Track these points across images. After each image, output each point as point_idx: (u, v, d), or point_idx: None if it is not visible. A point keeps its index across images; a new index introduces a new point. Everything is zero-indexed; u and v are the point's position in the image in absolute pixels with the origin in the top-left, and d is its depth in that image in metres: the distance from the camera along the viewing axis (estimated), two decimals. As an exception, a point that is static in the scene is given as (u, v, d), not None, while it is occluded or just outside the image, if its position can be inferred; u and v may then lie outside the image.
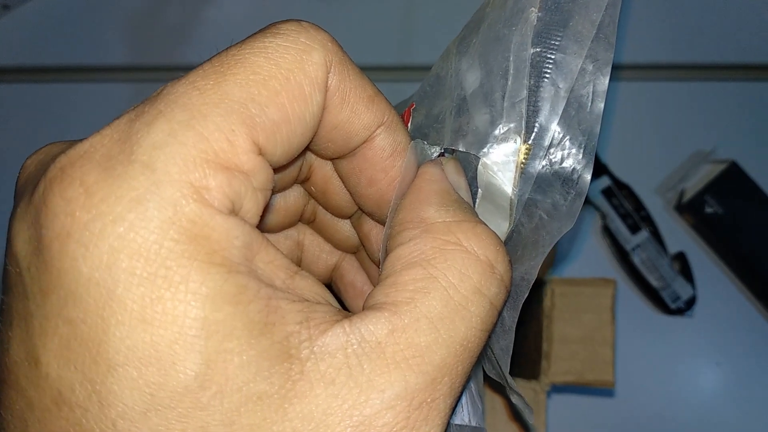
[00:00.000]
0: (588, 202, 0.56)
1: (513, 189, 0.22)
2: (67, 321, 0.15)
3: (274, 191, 0.25)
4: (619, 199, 0.55)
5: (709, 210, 0.54)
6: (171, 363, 0.15)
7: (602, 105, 0.21)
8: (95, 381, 0.15)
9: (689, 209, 0.55)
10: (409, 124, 0.25)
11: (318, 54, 0.18)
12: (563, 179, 0.21)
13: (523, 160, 0.22)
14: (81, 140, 0.17)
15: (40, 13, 0.64)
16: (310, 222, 0.28)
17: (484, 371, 0.25)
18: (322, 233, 0.28)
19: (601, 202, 0.55)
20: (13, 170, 0.19)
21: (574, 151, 0.21)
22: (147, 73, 0.63)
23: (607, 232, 0.55)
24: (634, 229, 0.54)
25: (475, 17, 0.24)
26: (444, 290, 0.18)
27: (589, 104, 0.21)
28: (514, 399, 0.24)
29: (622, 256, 0.54)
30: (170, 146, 0.16)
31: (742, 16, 0.61)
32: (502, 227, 0.23)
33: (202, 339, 0.15)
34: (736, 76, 0.60)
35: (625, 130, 0.59)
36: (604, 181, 0.56)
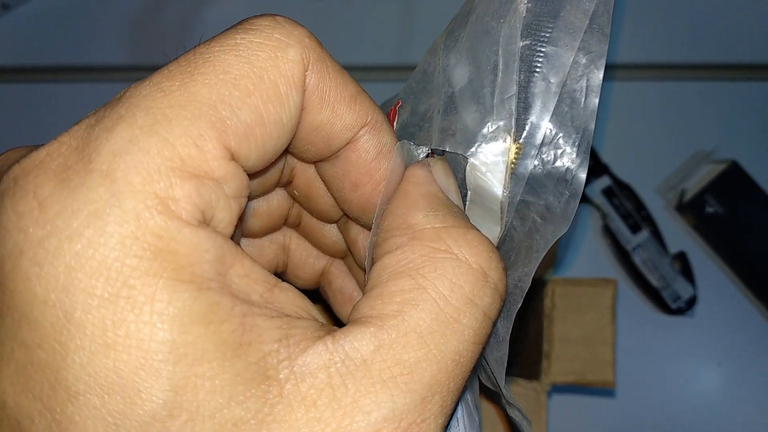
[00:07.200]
0: (588, 201, 0.56)
1: (503, 191, 0.21)
2: (22, 345, 0.14)
3: (255, 195, 0.23)
4: (620, 198, 0.55)
5: (709, 210, 0.54)
6: (136, 390, 0.14)
7: (597, 100, 0.20)
8: (55, 410, 0.14)
9: (690, 209, 0.55)
10: (394, 123, 0.24)
11: (294, 51, 0.17)
12: (556, 179, 0.20)
13: (514, 160, 0.20)
14: (39, 147, 0.15)
15: (40, 13, 0.64)
16: (296, 226, 0.26)
17: (480, 381, 0.24)
18: (308, 238, 0.27)
19: (602, 201, 0.55)
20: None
21: (567, 149, 0.20)
22: (147, 73, 0.63)
23: (608, 231, 0.55)
24: (634, 228, 0.54)
25: (463, 9, 0.23)
26: (434, 302, 0.17)
27: (583, 99, 0.20)
28: (511, 412, 0.23)
29: (623, 255, 0.54)
30: (132, 154, 0.14)
31: (742, 16, 0.61)
32: (494, 231, 0.21)
33: (169, 364, 0.14)
34: (736, 75, 0.60)
35: (626, 130, 0.59)
36: (605, 181, 0.56)
